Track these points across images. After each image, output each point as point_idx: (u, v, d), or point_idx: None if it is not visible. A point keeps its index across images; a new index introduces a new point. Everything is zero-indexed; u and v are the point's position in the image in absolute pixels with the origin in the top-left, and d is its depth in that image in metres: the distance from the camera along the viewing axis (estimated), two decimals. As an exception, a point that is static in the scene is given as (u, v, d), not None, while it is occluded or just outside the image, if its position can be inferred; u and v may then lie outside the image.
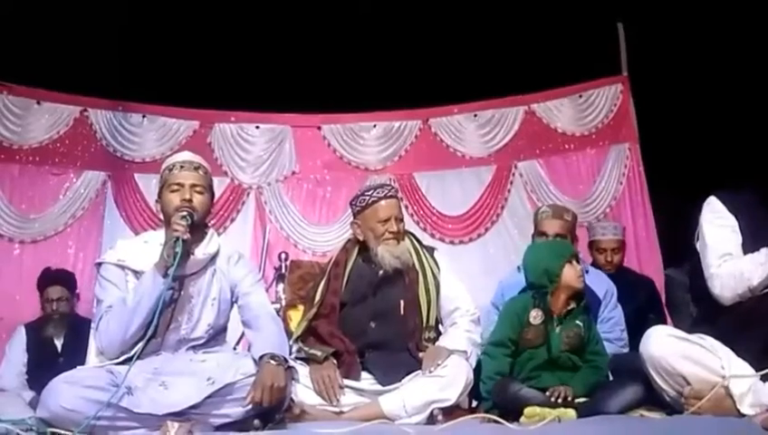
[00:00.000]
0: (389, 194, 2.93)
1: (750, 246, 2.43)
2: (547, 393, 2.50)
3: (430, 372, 2.61)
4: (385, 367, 2.74)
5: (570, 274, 2.69)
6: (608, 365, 2.77)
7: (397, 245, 2.86)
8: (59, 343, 4.07)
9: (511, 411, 2.43)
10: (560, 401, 2.46)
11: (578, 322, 2.69)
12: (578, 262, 2.75)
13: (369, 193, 2.93)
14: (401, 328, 2.81)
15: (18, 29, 4.78)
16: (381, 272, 2.86)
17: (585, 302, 2.75)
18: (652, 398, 2.43)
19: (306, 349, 2.79)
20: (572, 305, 2.70)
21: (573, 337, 2.65)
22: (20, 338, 4.12)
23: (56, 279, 4.24)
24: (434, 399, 2.56)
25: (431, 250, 3.04)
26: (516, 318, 2.71)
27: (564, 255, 2.72)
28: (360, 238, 2.95)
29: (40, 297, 4.25)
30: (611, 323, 3.27)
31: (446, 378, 2.59)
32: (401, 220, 2.93)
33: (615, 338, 3.25)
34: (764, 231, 2.41)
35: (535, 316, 2.68)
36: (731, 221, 2.51)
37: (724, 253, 2.48)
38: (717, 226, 2.53)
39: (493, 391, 2.58)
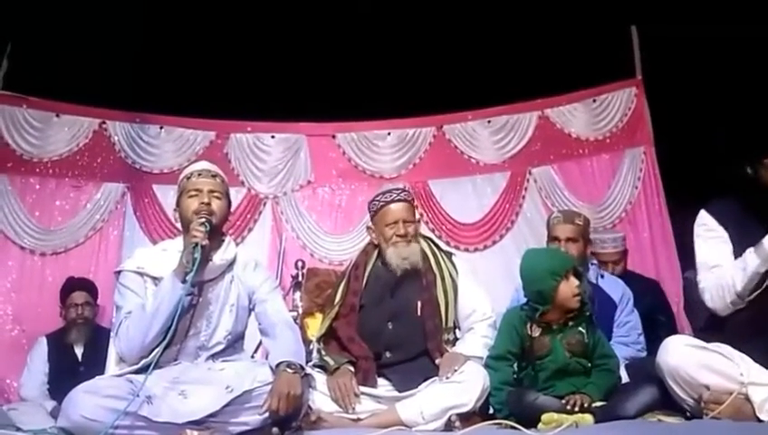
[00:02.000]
0: (397, 198, 2.98)
1: (740, 254, 2.46)
2: (563, 402, 2.50)
3: (447, 378, 2.62)
4: (402, 373, 2.75)
5: (565, 293, 2.60)
6: (619, 367, 2.75)
7: (406, 246, 2.90)
8: (79, 352, 4.13)
9: (528, 421, 2.42)
10: (576, 408, 2.45)
11: (580, 329, 2.65)
12: (577, 275, 2.66)
13: (380, 198, 3.02)
14: (418, 329, 2.83)
15: (36, 42, 4.85)
16: (399, 274, 2.90)
17: (587, 307, 2.68)
18: (670, 401, 2.42)
19: (323, 354, 2.82)
20: (573, 314, 2.66)
21: (575, 344, 2.62)
22: (41, 349, 4.18)
23: (80, 285, 4.34)
24: (451, 405, 2.56)
25: (449, 255, 3.07)
26: (515, 331, 2.69)
27: (558, 273, 2.61)
28: (375, 242, 2.99)
29: (62, 306, 4.31)
30: (628, 328, 3.26)
31: (462, 384, 2.60)
32: (411, 223, 2.96)
33: (632, 342, 3.24)
34: (752, 239, 2.42)
35: (533, 328, 2.66)
36: (720, 232, 2.54)
37: (712, 265, 2.53)
38: (706, 238, 2.57)
39: (509, 402, 2.57)
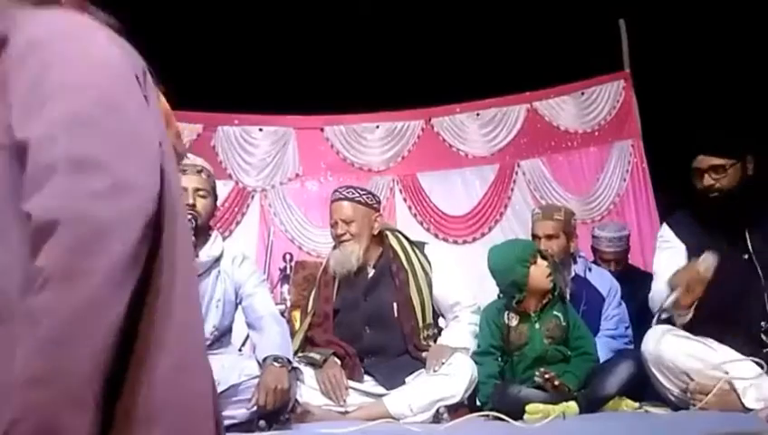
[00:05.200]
0: (338, 197, 2.92)
1: None
2: (536, 377, 2.51)
3: (434, 371, 2.61)
4: (387, 371, 2.72)
5: (536, 276, 2.66)
6: (596, 346, 2.77)
7: (345, 249, 2.83)
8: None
9: (513, 414, 2.43)
10: (546, 378, 2.47)
11: (555, 312, 2.68)
12: (544, 257, 2.73)
13: (330, 196, 2.99)
14: (397, 332, 2.79)
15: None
16: (371, 276, 2.86)
17: (559, 291, 2.73)
18: (655, 393, 2.44)
19: (306, 352, 2.78)
20: (548, 299, 2.69)
21: (553, 329, 2.65)
22: None
23: None
24: (439, 397, 2.56)
25: (421, 246, 3.00)
26: (493, 325, 2.72)
27: (526, 259, 2.68)
28: None
29: None
30: (616, 321, 3.27)
31: (450, 376, 2.60)
32: (351, 222, 2.85)
33: (619, 335, 3.25)
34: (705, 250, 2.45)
35: (510, 318, 2.68)
36: (676, 244, 2.59)
37: (660, 276, 2.55)
38: (662, 250, 2.65)
39: (492, 396, 2.58)
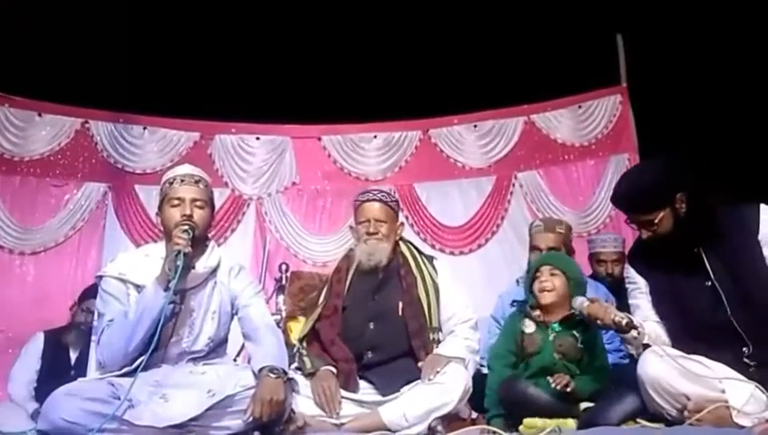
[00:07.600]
0: (373, 197, 3.00)
1: (657, 304, 2.57)
2: (549, 379, 2.55)
3: (429, 380, 2.61)
4: (384, 375, 2.74)
5: (536, 287, 2.80)
6: (608, 378, 2.78)
7: (374, 244, 2.91)
8: (73, 356, 4.03)
9: (518, 410, 2.47)
10: (558, 387, 2.52)
11: (574, 332, 2.72)
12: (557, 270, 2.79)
13: (359, 196, 3.06)
14: (401, 329, 2.82)
15: (20, 41, 4.81)
16: (381, 276, 2.90)
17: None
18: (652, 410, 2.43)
19: (303, 353, 2.81)
20: (566, 314, 2.73)
21: (566, 346, 2.69)
22: (37, 344, 4.05)
23: None
24: (433, 407, 2.56)
25: (430, 259, 3.07)
26: (512, 328, 2.80)
27: (533, 268, 2.85)
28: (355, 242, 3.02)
29: (77, 304, 4.18)
30: (611, 334, 3.27)
31: (444, 385, 2.60)
32: (384, 223, 2.95)
33: (614, 349, 3.25)
34: (672, 290, 2.52)
35: (528, 325, 2.77)
36: (639, 282, 2.63)
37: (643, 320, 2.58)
38: (629, 292, 2.68)
39: (500, 390, 2.63)
